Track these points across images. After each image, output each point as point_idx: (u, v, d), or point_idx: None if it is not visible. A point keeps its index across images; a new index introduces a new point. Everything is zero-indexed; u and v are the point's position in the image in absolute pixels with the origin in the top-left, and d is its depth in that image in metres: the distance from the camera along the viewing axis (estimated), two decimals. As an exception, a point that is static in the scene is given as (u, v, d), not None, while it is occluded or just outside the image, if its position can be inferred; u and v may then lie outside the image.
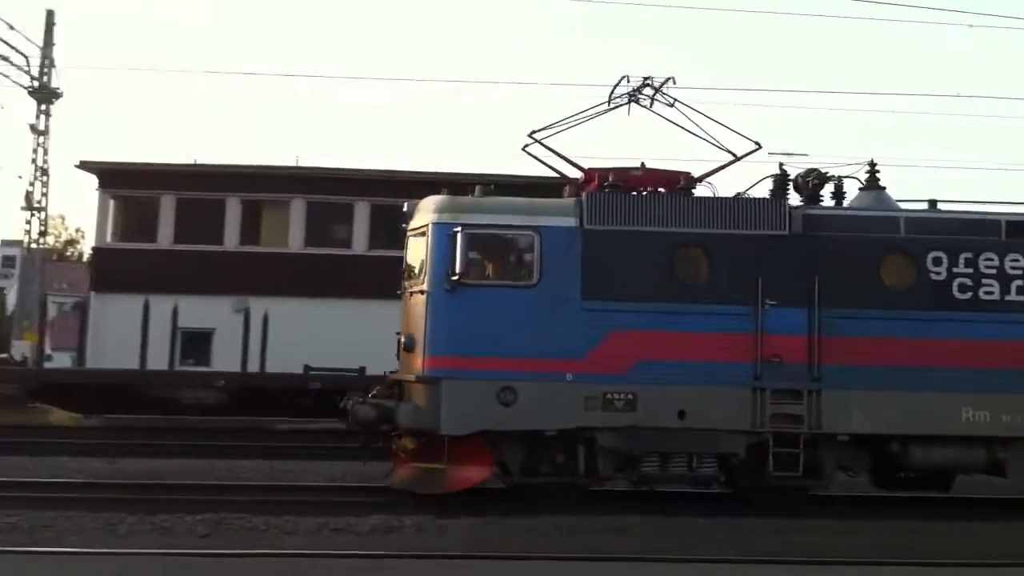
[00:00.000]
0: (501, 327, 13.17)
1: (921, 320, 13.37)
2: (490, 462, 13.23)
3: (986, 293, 13.43)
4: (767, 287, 13.20)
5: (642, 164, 14.27)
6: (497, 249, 13.60)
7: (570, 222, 13.31)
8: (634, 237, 13.32)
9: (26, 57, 24.08)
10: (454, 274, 12.96)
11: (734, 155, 14.41)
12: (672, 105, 14.58)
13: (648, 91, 14.59)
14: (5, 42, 22.56)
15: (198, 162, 27.23)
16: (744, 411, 13.08)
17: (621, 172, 14.02)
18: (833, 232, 13.59)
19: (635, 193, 13.77)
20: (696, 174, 14.27)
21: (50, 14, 25.73)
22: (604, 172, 13.98)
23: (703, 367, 13.09)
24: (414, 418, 13.07)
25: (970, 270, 13.44)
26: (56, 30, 25.59)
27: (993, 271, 13.43)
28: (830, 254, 13.41)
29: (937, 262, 13.44)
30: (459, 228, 12.99)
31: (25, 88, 24.83)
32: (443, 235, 13.12)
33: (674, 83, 14.77)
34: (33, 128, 24.01)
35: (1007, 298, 13.41)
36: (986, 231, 13.60)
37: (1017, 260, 13.45)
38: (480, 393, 12.96)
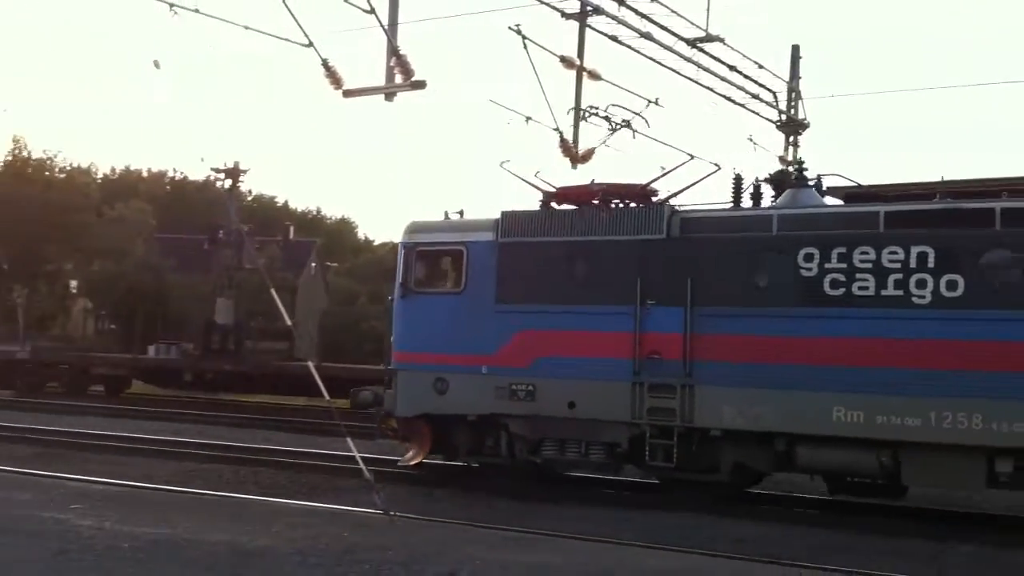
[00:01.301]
0: (438, 327, 15.48)
1: (791, 318, 13.41)
2: (430, 442, 15.59)
3: (860, 288, 13.06)
4: (646, 288, 14.16)
5: (592, 180, 15.72)
6: (438, 262, 16.20)
7: (489, 236, 15.37)
8: (535, 247, 15.09)
9: (773, 93, 24.35)
10: (404, 284, 15.79)
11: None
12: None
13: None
14: (755, 81, 22.98)
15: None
16: (625, 404, 14.15)
17: (582, 188, 15.58)
18: (708, 233, 14.18)
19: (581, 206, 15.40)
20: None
21: (795, 49, 26.14)
22: (566, 189, 15.70)
23: (590, 363, 14.37)
24: (388, 402, 15.86)
25: (843, 265, 13.16)
26: (801, 63, 26.03)
27: (869, 265, 13.04)
28: (704, 255, 13.99)
29: (808, 258, 13.35)
30: (412, 246, 15.86)
31: (773, 123, 25.02)
32: (403, 252, 16.04)
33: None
34: (782, 160, 24.12)
35: (883, 293, 12.95)
36: (863, 224, 13.28)
37: (895, 253, 12.90)
38: (422, 383, 15.41)
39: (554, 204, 15.76)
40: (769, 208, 14.48)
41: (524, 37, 17.43)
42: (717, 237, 14.10)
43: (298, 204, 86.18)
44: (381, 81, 16.15)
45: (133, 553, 8.92)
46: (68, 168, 66.68)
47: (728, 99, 23.43)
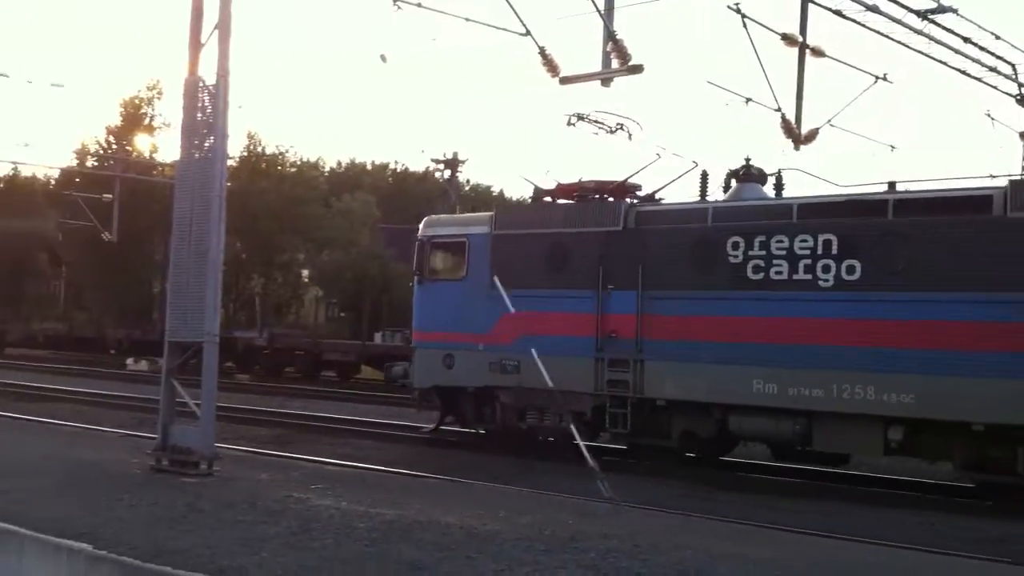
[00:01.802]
0: (447, 310, 17.84)
1: (720, 300, 15.11)
2: (441, 410, 18.37)
3: (776, 273, 14.60)
4: (607, 275, 16.14)
5: (580, 179, 17.80)
6: (447, 253, 18.54)
7: (486, 229, 17.75)
8: (522, 239, 17.22)
9: (1013, 65, 24.63)
10: (419, 272, 18.46)
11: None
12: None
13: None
14: (992, 52, 23.44)
15: None
16: (589, 377, 16.17)
17: (566, 185, 17.77)
18: (657, 225, 16.06)
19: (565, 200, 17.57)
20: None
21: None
22: (564, 185, 17.80)
23: (563, 340, 16.25)
24: (411, 376, 18.63)
25: (763, 252, 14.71)
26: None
27: (783, 252, 14.54)
28: (653, 244, 15.85)
29: (735, 246, 14.96)
30: (427, 238, 18.44)
31: (1013, 96, 25.41)
32: (420, 244, 18.65)
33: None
34: (1022, 136, 24.82)
35: (795, 277, 14.44)
36: (779, 215, 14.99)
37: (806, 240, 14.32)
38: (435, 359, 17.91)
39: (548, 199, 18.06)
40: (705, 202, 16.35)
41: (744, 15, 17.00)
42: (664, 228, 15.94)
43: (513, 192, 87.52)
44: (597, 67, 16.13)
45: (368, 533, 9.31)
46: (298, 162, 70.36)
47: (963, 72, 22.08)
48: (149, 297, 52.38)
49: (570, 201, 17.60)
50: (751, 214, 15.45)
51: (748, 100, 17.56)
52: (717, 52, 72.25)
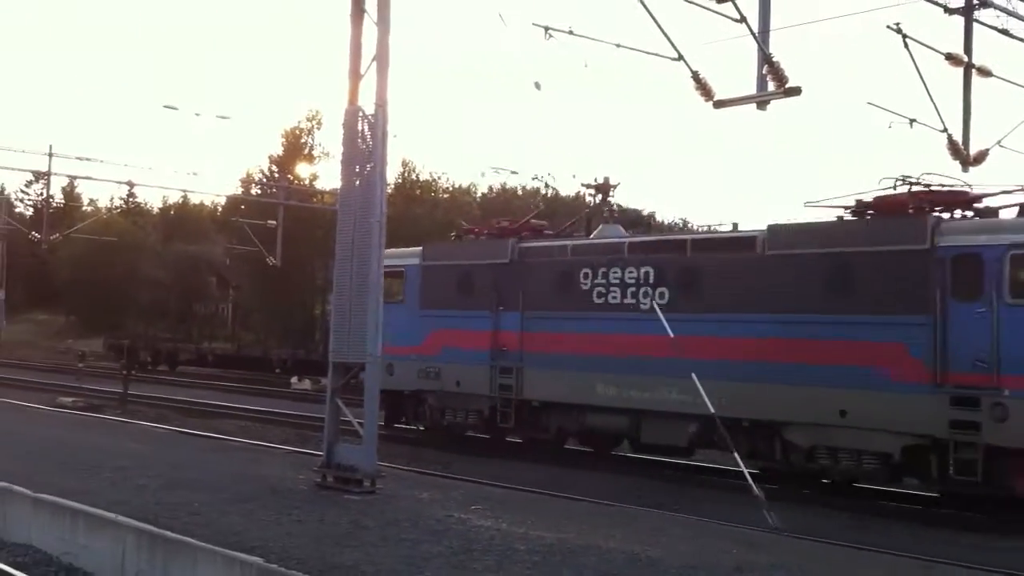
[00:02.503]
0: (391, 327, 18.94)
1: (576, 319, 18.60)
2: (386, 410, 20.90)
3: (612, 298, 18.13)
4: (500, 298, 19.84)
5: (497, 220, 22.76)
6: (390, 279, 19.74)
7: (417, 261, 21.59)
8: (442, 269, 21.16)
9: None
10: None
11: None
12: None
13: None
14: None
15: None
16: (486, 382, 19.80)
17: (482, 225, 22.82)
18: (534, 258, 19.70)
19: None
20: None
21: None
22: (472, 227, 22.80)
23: (470, 352, 20.09)
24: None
25: (603, 281, 18.25)
26: None
27: (617, 281, 18.05)
28: (530, 274, 19.52)
29: (585, 276, 18.53)
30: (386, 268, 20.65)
31: None
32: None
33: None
34: None
35: (624, 301, 17.95)
36: (615, 251, 18.46)
37: (632, 272, 17.83)
38: (387, 368, 19.59)
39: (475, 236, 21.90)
40: (567, 240, 20.05)
41: (904, 35, 16.49)
42: (538, 261, 19.58)
43: (665, 216, 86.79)
44: (752, 90, 15.90)
45: (529, 556, 9.33)
46: (451, 188, 71.58)
47: None
48: (311, 319, 54.01)
49: (479, 238, 21.80)
50: (597, 250, 18.99)
51: (912, 121, 17.02)
52: (876, 73, 70.02)
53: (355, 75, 13.14)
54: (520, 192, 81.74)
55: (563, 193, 76.04)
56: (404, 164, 65.29)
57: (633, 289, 17.76)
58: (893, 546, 11.56)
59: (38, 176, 62.90)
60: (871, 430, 14.70)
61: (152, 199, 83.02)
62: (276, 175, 64.14)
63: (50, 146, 45.68)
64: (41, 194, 67.89)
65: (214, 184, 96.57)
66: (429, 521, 10.80)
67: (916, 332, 14.51)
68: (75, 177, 57.80)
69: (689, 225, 24.74)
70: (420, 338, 20.97)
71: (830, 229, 16.27)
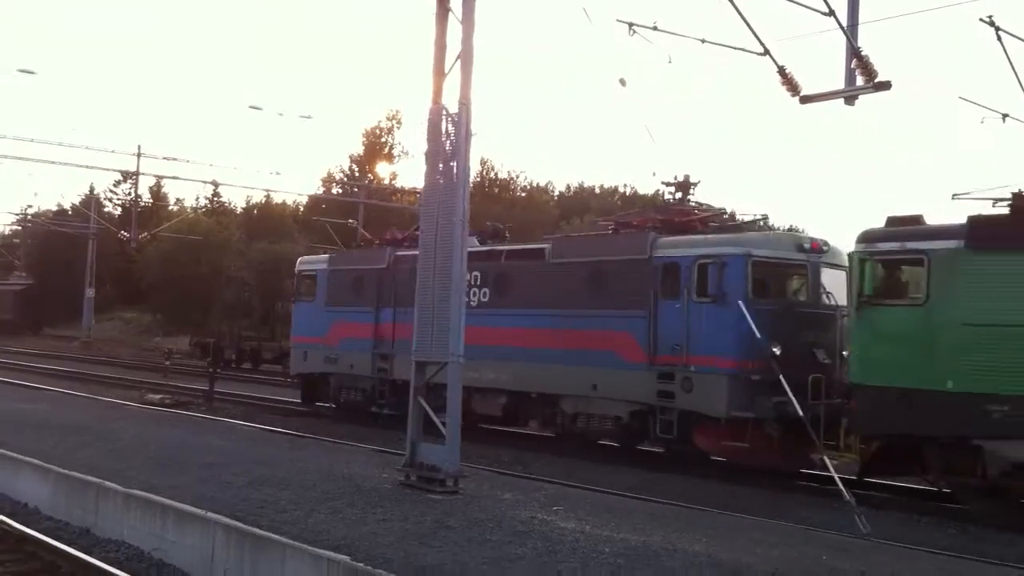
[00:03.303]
0: (305, 321, 26.82)
1: None
2: (303, 389, 27.45)
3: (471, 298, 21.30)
4: (379, 297, 24.26)
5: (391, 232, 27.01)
6: (305, 281, 27.28)
7: (325, 266, 26.58)
8: (341, 273, 25.91)
9: None
10: (294, 295, 28.26)
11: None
12: None
13: None
14: None
15: None
16: (368, 365, 24.35)
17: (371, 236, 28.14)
18: (403, 264, 22.95)
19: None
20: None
21: None
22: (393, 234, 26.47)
23: (357, 341, 24.69)
24: (290, 366, 28.95)
25: (486, 285, 21.72)
26: None
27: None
28: (400, 277, 22.63)
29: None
30: (297, 272, 27.90)
31: None
32: (296, 276, 28.31)
33: None
34: None
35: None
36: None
37: (469, 276, 20.13)
38: (298, 354, 27.22)
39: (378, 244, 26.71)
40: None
41: (997, 28, 15.99)
42: (405, 266, 22.17)
43: (746, 214, 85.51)
44: (840, 84, 15.57)
45: (614, 558, 9.25)
46: (529, 187, 71.60)
47: None
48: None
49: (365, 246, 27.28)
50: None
51: (1005, 116, 16.55)
52: (968, 66, 68.24)
53: (439, 73, 13.17)
54: (598, 191, 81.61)
55: (641, 191, 75.91)
56: (482, 163, 65.57)
57: (473, 289, 21.62)
58: (998, 555, 11.23)
59: (126, 176, 64.77)
60: (612, 400, 18.80)
61: (236, 198, 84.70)
62: (356, 174, 64.93)
63: (138, 146, 47.08)
64: (129, 194, 69.66)
65: (296, 183, 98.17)
66: (512, 522, 10.77)
67: (638, 324, 18.38)
68: (162, 177, 59.64)
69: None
70: (325, 330, 25.78)
71: (591, 242, 21.21)
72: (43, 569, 10.30)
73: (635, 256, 18.72)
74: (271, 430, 20.73)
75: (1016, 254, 13.65)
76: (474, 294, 21.54)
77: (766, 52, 15.70)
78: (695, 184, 42.05)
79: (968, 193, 15.25)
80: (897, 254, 15.02)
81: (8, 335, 69.14)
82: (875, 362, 14.85)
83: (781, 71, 15.74)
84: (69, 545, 10.63)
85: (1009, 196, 14.65)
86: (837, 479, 11.47)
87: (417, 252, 21.79)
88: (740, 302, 16.86)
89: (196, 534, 10.24)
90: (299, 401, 27.47)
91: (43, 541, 10.81)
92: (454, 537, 9.86)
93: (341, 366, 25.21)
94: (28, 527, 11.36)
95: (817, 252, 17.93)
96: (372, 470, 14.02)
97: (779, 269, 18.17)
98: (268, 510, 10.72)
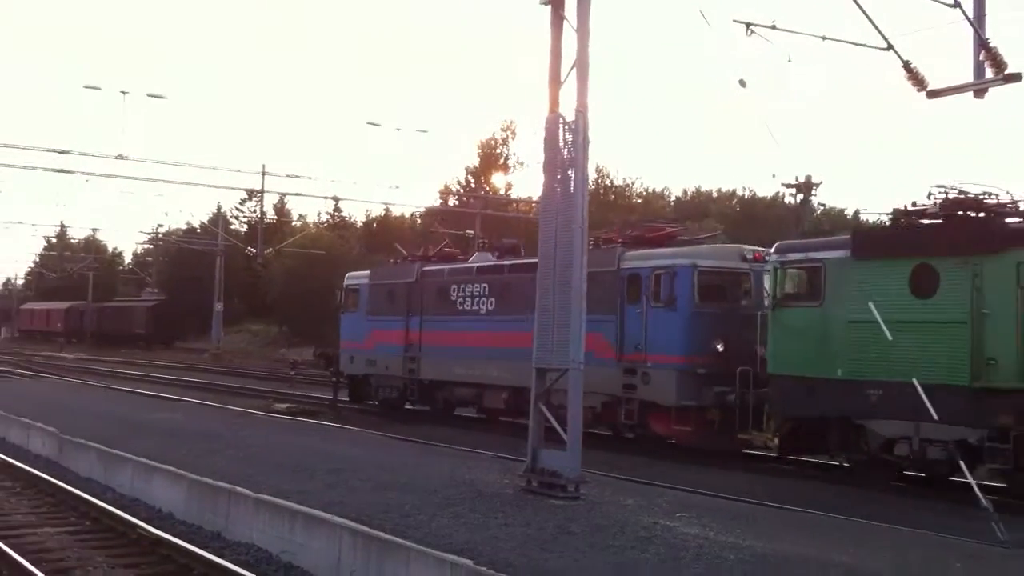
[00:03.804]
0: (351, 329, 30.13)
1: (449, 321, 25.94)
2: (349, 387, 30.48)
3: (467, 306, 25.45)
4: (409, 307, 27.44)
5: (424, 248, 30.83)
6: (351, 294, 30.52)
7: (367, 280, 30.03)
8: (379, 286, 29.22)
9: None
10: (340, 307, 31.24)
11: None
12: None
13: None
14: None
15: None
16: (400, 367, 27.42)
17: (438, 251, 29.74)
18: (429, 278, 27.14)
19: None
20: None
21: None
22: (426, 251, 30.02)
23: (392, 346, 27.74)
24: (341, 368, 31.02)
25: (462, 294, 25.59)
26: None
27: (469, 294, 25.37)
28: (426, 289, 27.06)
29: (454, 290, 25.96)
30: (343, 287, 31.14)
31: None
32: (343, 290, 31.30)
33: None
34: None
35: (473, 308, 25.25)
36: (470, 273, 25.84)
37: (477, 287, 25.21)
38: (346, 358, 30.25)
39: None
40: (445, 264, 27.44)
41: None
42: (430, 280, 26.99)
43: (871, 215, 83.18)
44: (968, 78, 15.07)
45: (740, 565, 9.09)
46: (645, 193, 71.13)
47: None
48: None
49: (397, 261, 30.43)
50: (460, 272, 26.36)
51: None
52: (1101, 53, 64.90)
53: (555, 82, 13.15)
54: (715, 195, 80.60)
55: (760, 194, 74.63)
56: (598, 170, 65.39)
57: (477, 299, 25.00)
58: None
59: (251, 194, 66.58)
60: (588, 392, 19.18)
61: (356, 213, 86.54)
62: (472, 185, 65.55)
63: (263, 165, 48.43)
64: (255, 211, 71.59)
65: (414, 196, 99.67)
66: (635, 528, 10.67)
67: (609, 326, 20.89)
68: (285, 194, 61.30)
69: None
70: (366, 337, 29.13)
71: None
72: (177, 571, 10.64)
73: (606, 268, 20.94)
74: (395, 437, 21.03)
75: (889, 261, 15.97)
76: (482, 303, 24.91)
77: (890, 47, 15.31)
78: (817, 185, 41.33)
79: None
80: (803, 263, 17.59)
81: (142, 349, 71.93)
82: (785, 355, 17.46)
83: (906, 66, 15.34)
84: (202, 548, 10.96)
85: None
86: (974, 486, 11.02)
87: (441, 267, 27.59)
88: (687, 306, 19.81)
89: (323, 537, 10.45)
90: (420, 409, 27.88)
91: (177, 544, 11.17)
92: (576, 543, 9.83)
93: (379, 368, 28.48)
94: (163, 531, 11.76)
95: (759, 262, 20.11)
96: (493, 476, 14.09)
97: (724, 277, 20.72)
98: (392, 514, 10.86)
